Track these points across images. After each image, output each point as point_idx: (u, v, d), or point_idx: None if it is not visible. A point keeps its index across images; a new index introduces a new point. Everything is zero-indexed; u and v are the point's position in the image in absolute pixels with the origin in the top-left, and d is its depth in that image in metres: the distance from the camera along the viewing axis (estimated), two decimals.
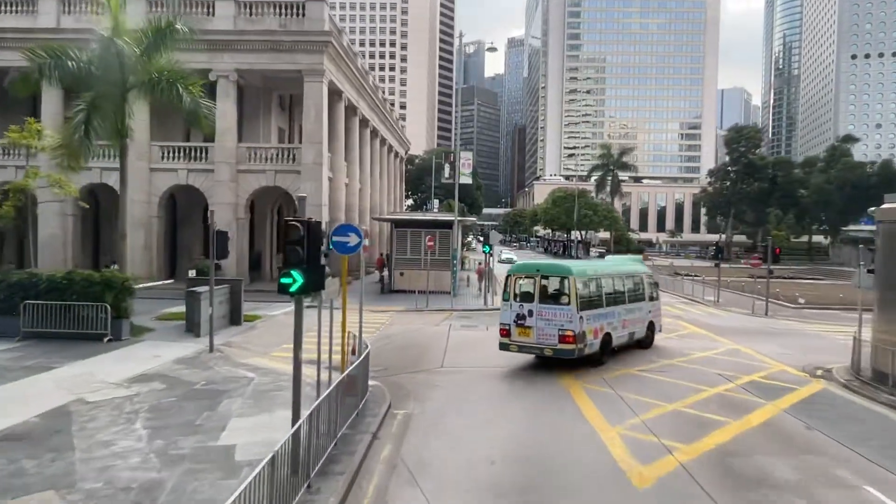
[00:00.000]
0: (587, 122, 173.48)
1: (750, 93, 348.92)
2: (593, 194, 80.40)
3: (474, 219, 39.54)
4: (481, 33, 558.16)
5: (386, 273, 32.81)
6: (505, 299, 15.32)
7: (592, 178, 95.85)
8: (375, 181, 48.51)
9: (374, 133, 46.88)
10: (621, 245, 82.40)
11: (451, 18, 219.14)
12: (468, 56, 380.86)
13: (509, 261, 60.33)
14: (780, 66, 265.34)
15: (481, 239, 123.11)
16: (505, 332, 15.12)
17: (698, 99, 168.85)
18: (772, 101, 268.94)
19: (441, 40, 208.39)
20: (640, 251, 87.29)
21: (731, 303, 33.00)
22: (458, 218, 32.31)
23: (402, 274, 31.56)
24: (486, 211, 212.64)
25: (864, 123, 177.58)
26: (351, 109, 38.96)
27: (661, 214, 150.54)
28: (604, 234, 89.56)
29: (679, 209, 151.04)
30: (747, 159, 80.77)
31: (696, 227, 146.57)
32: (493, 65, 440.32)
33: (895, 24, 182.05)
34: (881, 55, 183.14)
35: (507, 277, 15.63)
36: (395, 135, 57.22)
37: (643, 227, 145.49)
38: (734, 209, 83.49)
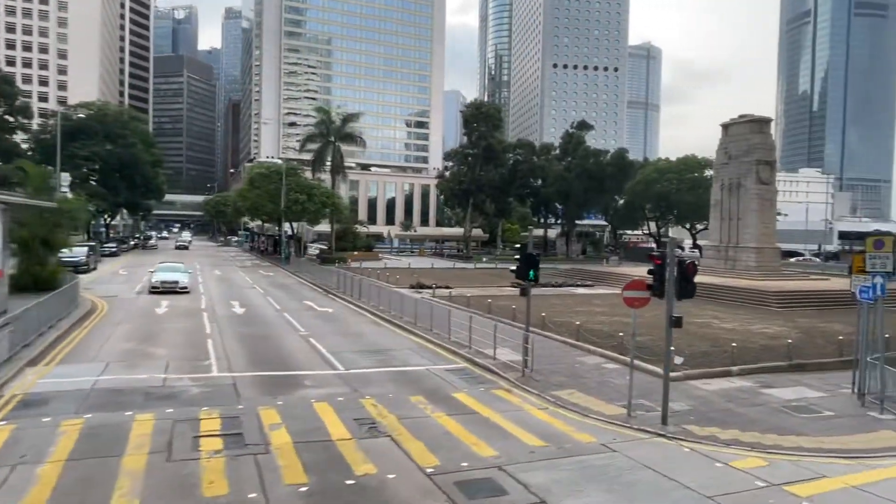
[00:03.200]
0: (311, 104, 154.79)
1: (465, 97, 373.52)
2: (310, 174, 60.57)
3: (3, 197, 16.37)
4: None
5: None
6: None
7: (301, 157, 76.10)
8: None
9: None
10: (346, 240, 64.61)
11: None
12: (178, 22, 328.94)
13: (173, 287, 30.48)
14: (493, 74, 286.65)
15: (185, 240, 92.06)
16: None
17: (427, 86, 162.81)
18: None
19: None
20: (369, 248, 70.79)
21: (554, 371, 16.47)
22: None
23: None
24: (187, 198, 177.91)
25: (564, 128, 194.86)
26: None
27: (391, 206, 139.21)
28: (325, 227, 70.71)
29: (409, 200, 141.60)
30: (487, 142, 70.13)
31: (425, 220, 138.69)
32: (210, 36, 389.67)
33: (586, 41, 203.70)
34: (576, 67, 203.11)
35: None
36: None
37: (372, 219, 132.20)
38: (473, 198, 72.40)
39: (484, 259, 64.94)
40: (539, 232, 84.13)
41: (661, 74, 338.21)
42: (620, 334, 18.82)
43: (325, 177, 62.69)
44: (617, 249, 78.62)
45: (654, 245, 74.75)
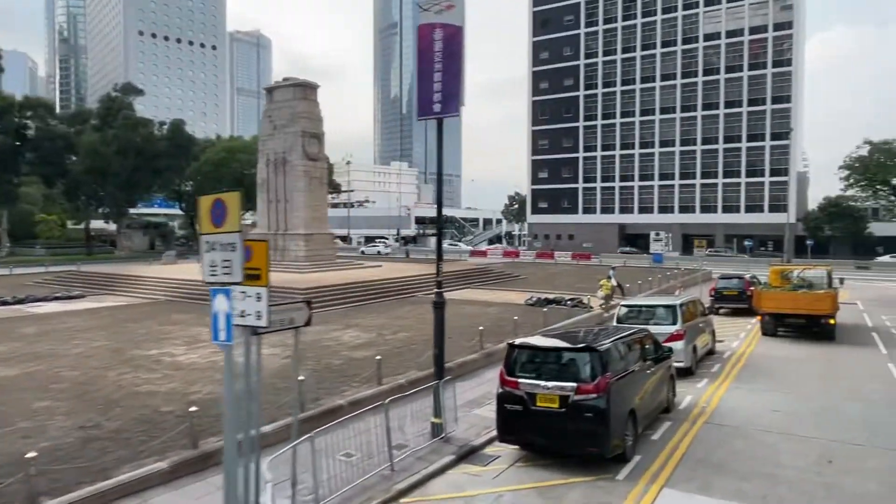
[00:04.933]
0: None
1: (36, 62, 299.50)
2: None
3: None
4: None
5: None
6: None
7: None
8: None
9: None
10: None
11: None
12: None
13: None
14: (66, 36, 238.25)
15: None
16: None
17: None
18: (58, 74, 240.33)
19: None
20: None
21: None
22: None
23: None
24: None
25: (155, 105, 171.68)
26: None
27: None
28: None
29: None
30: None
31: None
32: None
33: (178, 10, 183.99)
34: (167, 38, 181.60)
35: None
36: None
37: None
38: None
39: None
40: (94, 223, 65.26)
41: (273, 66, 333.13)
42: None
43: None
44: (189, 242, 66.42)
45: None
